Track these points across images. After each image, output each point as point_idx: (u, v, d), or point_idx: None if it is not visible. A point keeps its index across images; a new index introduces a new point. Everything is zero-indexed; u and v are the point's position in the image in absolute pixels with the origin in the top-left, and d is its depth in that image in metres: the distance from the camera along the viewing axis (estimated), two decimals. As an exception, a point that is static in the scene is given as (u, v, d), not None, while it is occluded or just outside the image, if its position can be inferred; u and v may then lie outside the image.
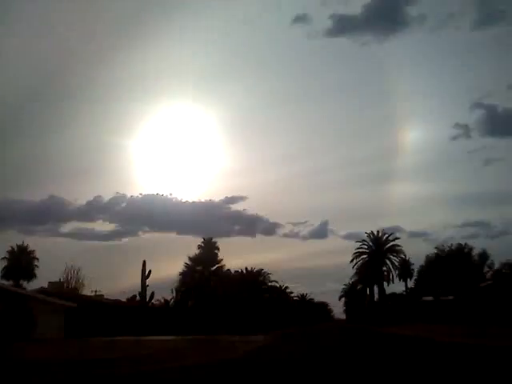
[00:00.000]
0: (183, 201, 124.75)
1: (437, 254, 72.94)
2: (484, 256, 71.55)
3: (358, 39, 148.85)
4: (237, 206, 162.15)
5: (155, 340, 33.61)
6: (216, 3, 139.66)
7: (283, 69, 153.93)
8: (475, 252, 71.82)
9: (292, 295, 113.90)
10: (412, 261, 77.51)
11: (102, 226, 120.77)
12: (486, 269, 71.95)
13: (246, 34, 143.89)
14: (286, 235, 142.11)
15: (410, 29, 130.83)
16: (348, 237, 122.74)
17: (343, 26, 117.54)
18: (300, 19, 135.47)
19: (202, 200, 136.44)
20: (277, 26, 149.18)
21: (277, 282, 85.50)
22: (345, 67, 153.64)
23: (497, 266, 70.48)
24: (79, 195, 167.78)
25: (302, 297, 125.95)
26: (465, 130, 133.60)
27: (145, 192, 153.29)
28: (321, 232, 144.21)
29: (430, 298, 71.30)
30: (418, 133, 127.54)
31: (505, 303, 44.50)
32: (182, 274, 61.20)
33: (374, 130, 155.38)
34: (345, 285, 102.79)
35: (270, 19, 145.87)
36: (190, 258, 60.53)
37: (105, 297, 62.42)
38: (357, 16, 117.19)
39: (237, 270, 75.01)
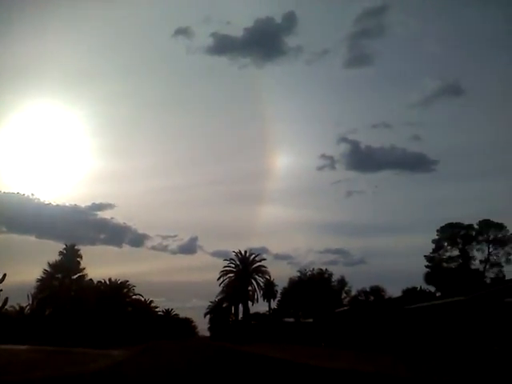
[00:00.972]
0: (46, 203, 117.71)
1: (299, 277, 75.67)
2: (342, 282, 75.46)
3: (237, 61, 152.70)
4: (104, 214, 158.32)
5: (3, 349, 31.09)
6: (97, 4, 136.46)
7: (160, 79, 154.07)
8: (335, 278, 75.64)
9: (157, 309, 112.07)
10: (276, 282, 79.51)
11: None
12: (343, 294, 75.86)
13: (126, 38, 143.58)
14: (154, 248, 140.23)
15: (287, 58, 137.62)
16: (216, 254, 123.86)
17: (224, 45, 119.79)
18: (181, 32, 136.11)
19: (68, 204, 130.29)
20: (158, 36, 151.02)
21: (141, 295, 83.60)
22: (222, 86, 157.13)
23: (354, 292, 74.75)
24: None
25: (167, 312, 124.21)
26: (330, 162, 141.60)
27: (4, 190, 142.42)
28: (190, 247, 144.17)
29: (292, 320, 73.50)
30: (287, 158, 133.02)
31: (359, 328, 46.83)
32: (41, 280, 57.77)
33: (246, 151, 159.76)
34: (211, 302, 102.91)
35: (153, 27, 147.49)
36: (49, 264, 57.38)
37: None
38: (238, 38, 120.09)
39: (100, 280, 72.26)
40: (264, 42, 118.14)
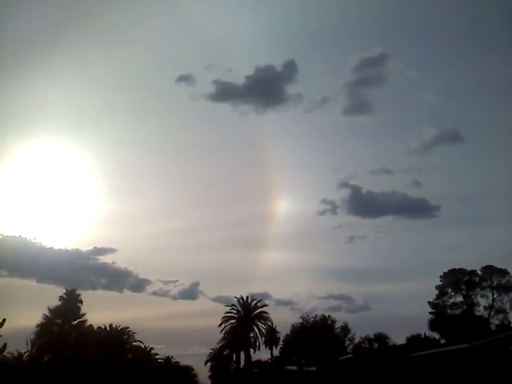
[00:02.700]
0: (48, 247, 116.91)
1: (302, 324, 74.76)
2: (346, 329, 74.51)
3: (238, 107, 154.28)
4: (105, 258, 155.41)
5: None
6: (102, 50, 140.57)
7: (163, 124, 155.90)
8: (338, 324, 74.75)
9: (157, 357, 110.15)
10: (278, 328, 78.39)
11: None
12: (347, 342, 74.78)
13: (129, 83, 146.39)
14: (155, 293, 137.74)
15: (287, 105, 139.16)
16: (218, 300, 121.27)
17: (225, 92, 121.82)
18: (184, 79, 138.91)
19: (69, 248, 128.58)
20: (161, 82, 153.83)
21: (141, 342, 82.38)
22: (224, 132, 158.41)
23: (357, 339, 73.71)
24: None
25: (167, 359, 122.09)
26: (331, 207, 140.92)
27: (6, 233, 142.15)
28: (191, 293, 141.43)
29: (295, 368, 72.22)
30: (288, 204, 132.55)
31: (364, 376, 46.11)
32: (40, 325, 57.17)
33: (248, 196, 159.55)
34: (212, 349, 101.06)
35: (156, 73, 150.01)
36: (49, 310, 56.85)
37: None
38: (239, 85, 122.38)
39: (100, 325, 71.40)
40: (265, 89, 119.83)
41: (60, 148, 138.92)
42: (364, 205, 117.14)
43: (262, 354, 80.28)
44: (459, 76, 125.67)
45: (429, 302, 62.74)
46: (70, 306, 56.71)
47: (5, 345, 42.20)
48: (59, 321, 56.62)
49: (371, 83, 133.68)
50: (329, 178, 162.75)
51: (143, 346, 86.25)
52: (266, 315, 75.86)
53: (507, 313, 58.94)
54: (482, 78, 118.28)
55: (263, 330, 75.53)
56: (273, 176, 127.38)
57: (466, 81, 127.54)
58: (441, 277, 62.27)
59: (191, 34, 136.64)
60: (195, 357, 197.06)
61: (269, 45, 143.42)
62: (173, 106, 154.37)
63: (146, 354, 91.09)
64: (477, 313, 60.20)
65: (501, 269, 59.40)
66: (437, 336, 62.64)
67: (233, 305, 76.81)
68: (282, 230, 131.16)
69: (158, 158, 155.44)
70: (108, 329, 72.44)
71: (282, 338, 79.09)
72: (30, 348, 62.46)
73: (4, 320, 39.81)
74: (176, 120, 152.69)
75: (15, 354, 66.48)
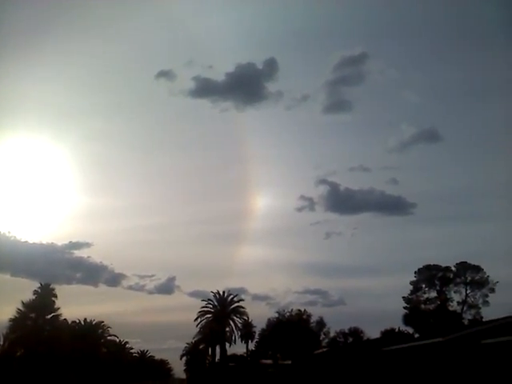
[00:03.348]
0: (23, 241, 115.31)
1: (278, 318, 75.06)
2: (321, 323, 75.00)
3: (218, 104, 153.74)
4: (80, 253, 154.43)
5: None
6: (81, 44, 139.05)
7: (142, 119, 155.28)
8: (313, 319, 75.20)
9: (132, 351, 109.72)
10: (254, 323, 78.57)
11: None
12: (322, 336, 75.30)
13: (108, 78, 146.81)
14: (130, 287, 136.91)
15: (267, 102, 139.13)
16: (194, 294, 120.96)
17: (205, 89, 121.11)
18: (164, 74, 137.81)
19: (44, 242, 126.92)
20: (141, 77, 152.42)
21: (116, 336, 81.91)
22: (204, 129, 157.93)
23: (332, 333, 74.28)
24: None
25: (143, 353, 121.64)
26: (309, 203, 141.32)
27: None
28: (167, 287, 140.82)
29: (270, 361, 72.48)
30: (266, 200, 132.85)
31: (338, 370, 46.46)
32: (13, 320, 56.37)
33: (226, 192, 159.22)
34: (187, 343, 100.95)
35: (135, 68, 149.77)
36: (23, 304, 56.03)
37: None
38: (219, 82, 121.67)
39: (75, 320, 70.75)
40: (245, 86, 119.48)
41: (36, 142, 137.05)
42: (342, 201, 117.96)
43: (238, 348, 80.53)
44: (439, 76, 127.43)
45: (403, 297, 63.52)
46: (44, 300, 56.03)
47: (-23, 338, 41.72)
48: (33, 315, 55.94)
49: (351, 82, 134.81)
50: (308, 174, 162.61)
51: (118, 340, 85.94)
52: (242, 310, 76.06)
53: (480, 308, 59.96)
54: (462, 78, 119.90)
55: (239, 325, 75.73)
56: (252, 172, 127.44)
57: (445, 81, 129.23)
58: (415, 272, 63.05)
59: (172, 29, 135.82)
60: (171, 351, 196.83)
61: (250, 42, 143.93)
62: (152, 102, 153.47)
63: (120, 348, 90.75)
64: (450, 308, 61.12)
65: (474, 265, 60.35)
66: (411, 330, 63.45)
67: (209, 299, 76.79)
68: (259, 225, 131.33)
69: (135, 153, 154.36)
70: (82, 323, 71.88)
71: (257, 332, 79.41)
72: (2, 342, 61.68)
73: (-24, 314, 39.28)
74: (155, 116, 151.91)
75: (-14, 348, 65.71)
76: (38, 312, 55.87)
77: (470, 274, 60.49)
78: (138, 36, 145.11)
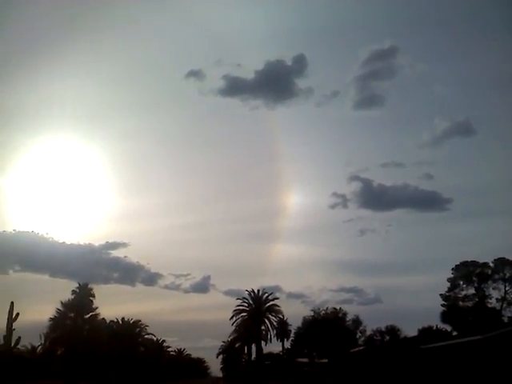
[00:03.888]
0: (60, 242, 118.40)
1: (313, 317, 74.84)
2: (357, 321, 74.52)
3: (248, 102, 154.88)
4: (117, 253, 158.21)
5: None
6: (110, 44, 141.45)
7: (174, 118, 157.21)
8: (349, 317, 74.79)
9: (169, 349, 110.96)
10: (289, 321, 78.51)
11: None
12: (358, 334, 74.80)
13: (140, 78, 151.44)
14: (166, 287, 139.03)
15: (297, 99, 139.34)
16: (229, 293, 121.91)
17: (235, 87, 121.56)
18: (193, 74, 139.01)
19: (82, 243, 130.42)
20: (171, 77, 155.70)
21: (154, 334, 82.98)
22: (234, 127, 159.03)
23: (369, 331, 73.72)
24: None
25: (179, 351, 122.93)
26: (342, 200, 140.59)
27: (19, 228, 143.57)
28: (203, 286, 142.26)
29: (306, 360, 72.33)
30: (298, 197, 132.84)
31: (375, 368, 46.07)
32: (53, 319, 57.61)
33: (258, 189, 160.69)
34: (223, 342, 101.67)
35: (165, 69, 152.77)
36: (62, 304, 57.18)
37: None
38: (249, 80, 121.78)
39: (113, 319, 71.96)
40: (274, 84, 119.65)
41: (71, 144, 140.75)
42: (375, 198, 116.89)
43: (274, 346, 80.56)
44: (470, 68, 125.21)
45: (441, 295, 62.51)
46: (82, 299, 57.01)
47: (18, 338, 42.80)
48: (72, 314, 56.95)
49: (382, 76, 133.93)
50: (339, 171, 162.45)
51: (155, 339, 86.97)
52: (277, 308, 75.98)
53: (519, 305, 58.59)
54: (493, 70, 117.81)
55: (274, 323, 75.67)
56: (283, 170, 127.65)
57: (477, 72, 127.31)
58: (452, 269, 61.96)
59: (201, 29, 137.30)
60: (207, 349, 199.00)
61: (278, 39, 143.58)
62: (183, 101, 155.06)
63: (158, 347, 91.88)
64: (489, 305, 59.86)
65: (513, 261, 58.96)
66: (449, 328, 62.53)
67: (244, 298, 76.96)
68: (292, 223, 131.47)
69: (168, 153, 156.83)
70: (120, 322, 73.03)
71: (293, 331, 79.30)
72: (43, 342, 63.32)
73: (17, 314, 40.36)
74: (187, 114, 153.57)
75: (29, 347, 67.58)
76: (77, 312, 56.89)
77: (508, 270, 59.10)
78: (167, 36, 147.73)
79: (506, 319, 57.08)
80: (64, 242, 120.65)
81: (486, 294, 60.33)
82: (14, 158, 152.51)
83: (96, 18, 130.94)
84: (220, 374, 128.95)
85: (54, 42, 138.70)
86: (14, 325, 39.79)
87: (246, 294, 77.21)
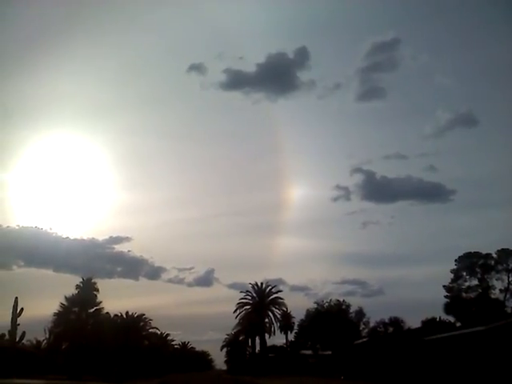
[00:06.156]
0: (64, 237, 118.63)
1: (316, 309, 74.98)
2: (360, 313, 74.64)
3: (250, 95, 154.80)
4: (121, 247, 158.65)
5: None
6: (110, 39, 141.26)
7: (176, 113, 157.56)
8: (353, 309, 74.92)
9: (173, 343, 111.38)
10: (293, 314, 78.85)
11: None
12: (362, 326, 74.95)
13: (141, 72, 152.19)
14: (170, 280, 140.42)
15: (300, 92, 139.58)
16: (233, 286, 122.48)
17: (237, 81, 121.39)
18: (195, 68, 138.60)
19: (85, 238, 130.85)
20: (173, 71, 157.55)
21: (158, 328, 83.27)
22: (236, 120, 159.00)
23: (372, 323, 73.85)
24: None
25: (184, 345, 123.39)
26: (345, 193, 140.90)
27: (23, 224, 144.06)
28: (206, 280, 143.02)
29: (310, 352, 72.57)
30: (300, 190, 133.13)
31: (379, 360, 46.16)
32: (57, 314, 57.76)
33: (261, 183, 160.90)
34: (227, 334, 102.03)
35: (167, 62, 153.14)
36: (66, 298, 57.28)
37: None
38: (250, 74, 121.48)
39: (117, 313, 72.17)
40: (277, 77, 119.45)
41: (74, 139, 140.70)
42: (378, 190, 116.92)
43: (277, 339, 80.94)
44: (472, 59, 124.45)
45: (444, 286, 62.47)
46: (86, 294, 57.08)
47: (23, 333, 43.03)
48: (76, 309, 57.04)
49: (384, 68, 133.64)
50: (342, 163, 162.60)
51: (159, 333, 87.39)
52: (280, 301, 76.23)
53: (523, 295, 58.51)
54: (496, 61, 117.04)
55: (278, 316, 75.95)
56: (286, 163, 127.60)
57: (479, 63, 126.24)
58: (456, 260, 61.87)
59: (202, 22, 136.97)
60: (211, 342, 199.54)
61: (280, 32, 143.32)
62: (185, 95, 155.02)
63: (162, 340, 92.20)
64: (492, 296, 59.79)
65: (516, 251, 58.82)
66: (452, 319, 62.50)
67: (247, 291, 77.20)
68: (295, 216, 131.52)
69: (171, 147, 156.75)
70: (124, 316, 73.26)
71: (296, 323, 79.57)
72: (47, 336, 63.58)
73: (22, 309, 40.59)
74: (188, 109, 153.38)
75: (33, 342, 67.82)
76: (81, 306, 56.95)
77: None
78: (167, 29, 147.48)
79: (509, 310, 57.02)
80: (68, 237, 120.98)
81: (490, 284, 60.26)
82: (18, 154, 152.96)
83: (97, 13, 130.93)
84: (224, 367, 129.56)
85: (56, 37, 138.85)
86: (19, 320, 40.02)
87: (249, 287, 77.57)
